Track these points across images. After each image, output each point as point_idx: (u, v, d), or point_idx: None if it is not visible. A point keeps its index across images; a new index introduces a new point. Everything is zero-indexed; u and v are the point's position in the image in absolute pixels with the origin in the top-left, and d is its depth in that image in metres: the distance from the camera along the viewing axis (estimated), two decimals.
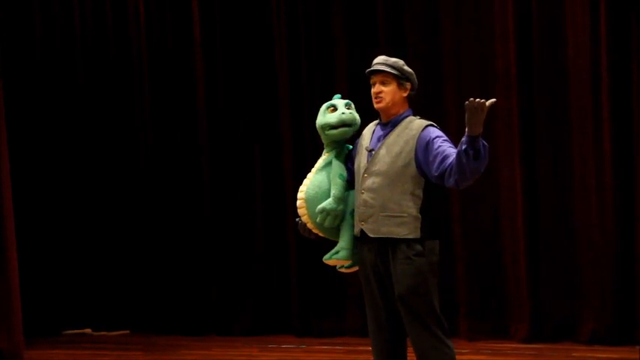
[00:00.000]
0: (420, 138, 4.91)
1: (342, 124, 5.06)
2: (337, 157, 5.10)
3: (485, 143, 4.67)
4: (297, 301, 8.86)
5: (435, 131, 4.95)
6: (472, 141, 4.60)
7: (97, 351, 8.66)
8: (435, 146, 4.84)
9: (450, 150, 4.80)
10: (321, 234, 5.14)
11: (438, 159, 4.79)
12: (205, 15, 9.13)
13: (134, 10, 9.38)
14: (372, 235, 4.93)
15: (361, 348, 8.24)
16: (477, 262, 8.30)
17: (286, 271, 8.94)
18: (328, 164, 5.08)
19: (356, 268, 5.13)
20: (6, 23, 9.18)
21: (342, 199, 5.00)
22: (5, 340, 7.92)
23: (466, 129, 4.61)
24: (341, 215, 5.03)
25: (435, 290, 4.94)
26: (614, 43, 7.76)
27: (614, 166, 7.82)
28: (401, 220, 4.88)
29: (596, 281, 7.90)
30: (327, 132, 5.10)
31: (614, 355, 7.57)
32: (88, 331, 9.56)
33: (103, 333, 9.48)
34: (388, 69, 4.98)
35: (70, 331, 9.51)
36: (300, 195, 5.07)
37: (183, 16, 9.21)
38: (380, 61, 5.04)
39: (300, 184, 5.16)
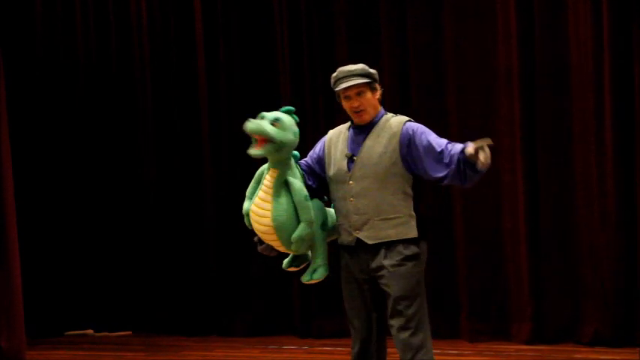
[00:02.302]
0: (402, 135, 4.85)
1: (250, 132, 4.80)
2: (290, 174, 4.86)
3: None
4: (299, 302, 8.85)
5: (414, 125, 4.89)
6: (474, 166, 4.62)
7: (98, 352, 8.66)
8: (423, 142, 4.79)
9: (437, 143, 4.75)
10: (289, 252, 5.02)
11: (431, 157, 4.76)
12: (207, 12, 9.13)
13: (136, 7, 9.38)
14: (370, 242, 4.87)
15: None
16: (479, 263, 8.29)
17: (288, 272, 8.91)
18: (283, 184, 4.83)
19: (324, 277, 5.04)
20: (8, 25, 9.17)
21: (312, 221, 4.83)
22: (7, 340, 7.92)
23: (474, 162, 4.59)
24: (312, 236, 4.90)
25: (424, 291, 4.93)
26: (617, 40, 7.75)
27: (616, 167, 7.80)
28: (397, 222, 4.84)
29: (598, 283, 7.89)
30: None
31: (616, 357, 7.56)
32: (90, 331, 9.56)
33: (104, 334, 9.48)
34: (361, 80, 4.89)
35: (71, 332, 9.51)
36: (264, 220, 4.85)
37: (185, 13, 9.21)
38: (348, 74, 4.90)
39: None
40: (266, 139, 4.77)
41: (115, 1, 9.49)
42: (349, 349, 8.25)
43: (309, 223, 4.81)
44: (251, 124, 4.78)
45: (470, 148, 4.60)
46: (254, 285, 9.01)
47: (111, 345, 8.99)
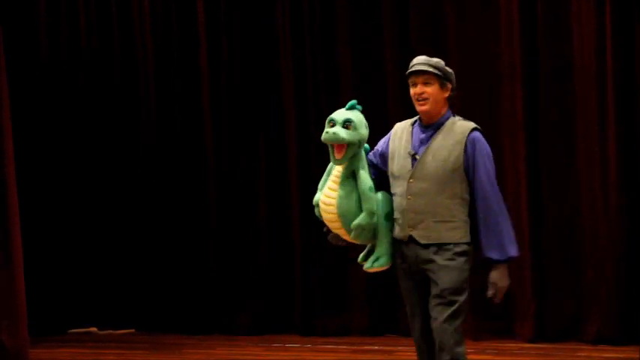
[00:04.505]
0: (467, 143, 4.89)
1: (327, 142, 4.88)
2: (358, 165, 4.95)
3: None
4: (302, 300, 8.85)
5: (481, 142, 4.93)
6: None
7: (102, 350, 8.67)
8: (482, 177, 4.89)
9: (485, 189, 4.89)
10: (355, 242, 5.10)
11: (477, 194, 4.89)
12: (210, 13, 9.13)
13: (139, 8, 9.38)
14: (422, 242, 4.91)
15: (366, 347, 8.25)
16: (482, 262, 8.27)
17: (291, 270, 8.94)
18: (350, 175, 4.95)
19: (386, 267, 5.10)
20: (10, 26, 9.16)
21: (374, 212, 4.94)
22: (11, 338, 7.92)
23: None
24: (374, 227, 4.99)
25: (466, 289, 4.98)
26: (620, 38, 7.77)
27: (619, 166, 7.80)
28: (452, 225, 4.89)
29: (602, 281, 7.88)
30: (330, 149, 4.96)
31: (620, 355, 7.56)
32: (94, 329, 9.57)
33: (108, 331, 9.49)
34: (431, 69, 4.92)
35: (75, 330, 9.52)
36: (329, 209, 4.95)
37: (187, 11, 9.21)
38: (422, 61, 4.96)
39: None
40: (344, 145, 4.85)
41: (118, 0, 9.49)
42: (352, 347, 8.31)
43: (370, 213, 4.91)
44: (327, 135, 4.87)
45: (490, 292, 4.94)
46: (256, 283, 9.02)
47: (114, 343, 9.00)
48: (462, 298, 4.91)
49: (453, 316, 4.88)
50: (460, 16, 8.32)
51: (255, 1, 9.04)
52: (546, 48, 8.04)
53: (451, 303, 4.88)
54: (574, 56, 7.94)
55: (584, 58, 7.90)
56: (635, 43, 7.74)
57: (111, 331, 9.49)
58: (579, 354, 7.68)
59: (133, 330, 9.47)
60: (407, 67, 8.37)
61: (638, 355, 7.18)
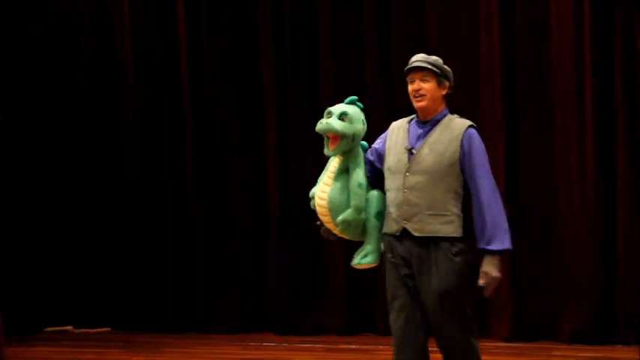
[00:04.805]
0: (463, 139, 4.94)
1: (320, 132, 4.94)
2: (353, 161, 5.01)
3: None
4: (278, 300, 8.86)
5: (477, 139, 4.97)
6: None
7: (78, 348, 8.64)
8: (479, 171, 4.91)
9: (479, 185, 4.92)
10: (344, 237, 5.13)
11: (474, 188, 4.92)
12: (191, 11, 9.12)
13: (119, 14, 9.36)
14: (416, 234, 4.94)
15: (342, 346, 8.26)
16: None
17: (267, 269, 8.94)
18: (344, 170, 5.00)
19: (374, 264, 5.11)
20: None
21: (362, 209, 4.98)
22: None
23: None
24: (362, 224, 5.02)
25: (469, 289, 4.99)
26: (598, 36, 7.84)
27: (597, 168, 7.88)
28: (446, 219, 4.92)
29: (577, 281, 7.93)
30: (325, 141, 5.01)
31: (594, 354, 7.60)
32: (70, 328, 9.55)
33: (84, 330, 9.46)
34: (429, 66, 4.97)
35: (51, 329, 9.49)
36: (321, 202, 5.00)
37: (168, 13, 9.20)
38: (420, 59, 5.03)
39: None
40: (338, 136, 4.89)
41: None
42: (328, 345, 8.32)
43: (357, 210, 4.96)
44: (320, 125, 4.91)
45: (482, 281, 4.91)
46: (233, 282, 9.02)
47: (91, 341, 8.97)
48: (463, 299, 4.95)
49: (459, 320, 4.93)
50: (442, 16, 8.34)
51: (237, 4, 9.03)
52: (525, 45, 8.08)
53: (453, 306, 4.91)
54: (552, 52, 7.99)
55: (562, 55, 7.95)
56: (613, 40, 7.80)
57: (87, 330, 9.46)
58: (555, 353, 7.72)
59: (108, 329, 9.45)
60: (388, 66, 8.48)
61: (637, 356, 7.20)
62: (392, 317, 5.07)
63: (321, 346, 8.33)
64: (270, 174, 8.87)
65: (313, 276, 8.77)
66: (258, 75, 8.92)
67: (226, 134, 9.09)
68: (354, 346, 8.25)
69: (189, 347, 8.50)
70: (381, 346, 8.07)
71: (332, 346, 8.28)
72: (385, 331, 8.56)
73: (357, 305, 8.65)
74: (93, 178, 9.44)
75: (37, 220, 9.42)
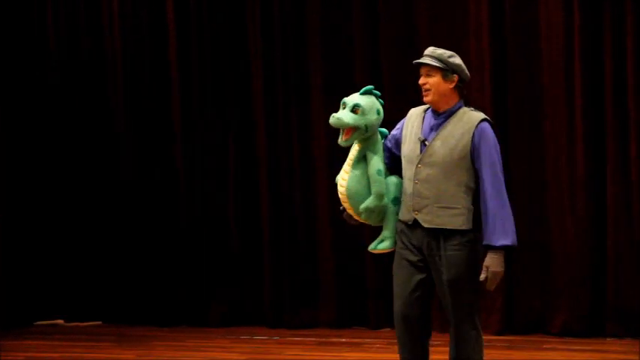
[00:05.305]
0: (475, 133, 4.96)
1: (333, 126, 5.02)
2: (371, 148, 5.08)
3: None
4: (270, 293, 8.85)
5: (489, 133, 4.99)
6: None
7: (69, 342, 8.63)
8: (486, 165, 4.92)
9: (489, 182, 4.92)
10: (366, 222, 5.21)
11: (481, 183, 4.93)
12: (180, 13, 9.09)
13: (108, 10, 9.32)
14: (426, 226, 4.98)
15: (334, 340, 8.26)
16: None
17: (259, 263, 8.93)
18: (362, 158, 5.08)
19: (390, 250, 5.15)
20: None
21: (384, 195, 5.05)
22: None
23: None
24: (385, 210, 5.10)
25: (478, 280, 5.00)
26: (587, 35, 7.85)
27: (587, 160, 7.89)
28: (455, 212, 4.94)
29: (568, 274, 7.95)
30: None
31: (586, 347, 7.62)
32: (60, 321, 9.53)
33: (75, 324, 9.45)
34: (432, 61, 5.01)
35: (41, 322, 9.48)
36: (341, 190, 5.09)
37: (157, 14, 9.17)
38: (426, 53, 5.08)
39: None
40: (350, 128, 4.97)
41: None
42: (320, 339, 8.32)
43: (379, 196, 5.04)
44: (332, 119, 5.02)
45: (482, 275, 4.91)
46: (225, 275, 9.01)
47: (82, 335, 8.95)
48: (473, 289, 4.98)
49: (468, 310, 4.99)
50: (431, 16, 8.33)
51: (226, 5, 9.01)
52: (515, 51, 8.08)
53: (462, 296, 4.96)
54: (542, 59, 8.00)
55: (551, 54, 7.96)
56: (602, 38, 7.82)
57: (77, 324, 9.45)
58: (545, 346, 7.73)
59: (99, 322, 9.43)
60: (378, 66, 8.47)
61: (638, 349, 7.21)
62: (395, 306, 5.15)
63: (313, 339, 8.33)
64: (262, 173, 8.84)
65: (305, 270, 8.77)
66: (248, 75, 8.90)
67: (216, 134, 9.06)
68: (345, 340, 8.25)
69: (180, 341, 8.50)
70: (371, 340, 8.08)
71: (323, 340, 8.28)
72: (376, 325, 8.61)
73: (348, 299, 8.65)
74: (85, 174, 9.39)
75: (27, 214, 9.39)
